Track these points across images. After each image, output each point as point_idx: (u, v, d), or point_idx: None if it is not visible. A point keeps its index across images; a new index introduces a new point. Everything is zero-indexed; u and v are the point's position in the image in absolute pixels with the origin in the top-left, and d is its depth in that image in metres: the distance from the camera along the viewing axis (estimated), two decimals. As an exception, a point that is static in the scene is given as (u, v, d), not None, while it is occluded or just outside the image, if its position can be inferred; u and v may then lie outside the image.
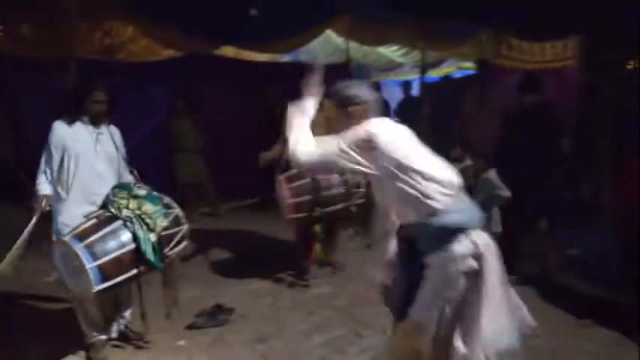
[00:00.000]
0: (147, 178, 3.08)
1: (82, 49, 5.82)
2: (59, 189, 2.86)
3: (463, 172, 3.81)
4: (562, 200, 4.96)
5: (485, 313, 1.68)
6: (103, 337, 2.99)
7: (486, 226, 3.64)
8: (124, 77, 5.57)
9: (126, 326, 3.13)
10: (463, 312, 1.71)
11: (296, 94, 4.08)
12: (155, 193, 2.85)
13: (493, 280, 1.70)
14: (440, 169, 1.82)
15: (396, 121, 7.05)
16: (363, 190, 3.79)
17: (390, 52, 9.95)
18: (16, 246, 2.81)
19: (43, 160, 2.91)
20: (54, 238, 2.92)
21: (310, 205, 3.64)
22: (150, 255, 2.62)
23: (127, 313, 3.13)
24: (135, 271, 2.62)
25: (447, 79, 7.55)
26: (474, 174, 3.72)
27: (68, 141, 2.83)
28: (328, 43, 9.40)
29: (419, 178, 1.74)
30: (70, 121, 2.87)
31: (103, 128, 2.95)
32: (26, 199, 5.82)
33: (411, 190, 1.73)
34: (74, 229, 2.60)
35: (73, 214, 2.79)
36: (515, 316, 1.80)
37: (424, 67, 8.30)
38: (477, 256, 1.69)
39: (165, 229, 2.72)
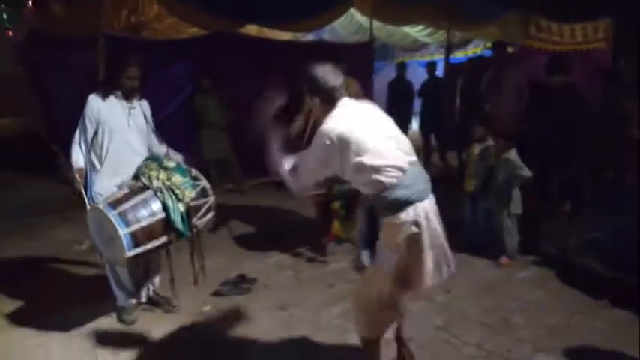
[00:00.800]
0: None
1: (109, 26, 5.96)
2: (94, 160, 2.99)
3: (485, 152, 3.85)
4: (586, 183, 4.93)
5: (426, 262, 2.09)
6: (133, 300, 3.16)
7: (506, 207, 3.71)
8: (150, 54, 5.67)
9: (155, 291, 3.30)
10: (409, 263, 2.09)
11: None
12: (184, 166, 2.96)
13: (429, 240, 2.07)
14: (392, 149, 2.07)
15: (421, 102, 7.01)
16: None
17: (415, 32, 9.83)
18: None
19: (77, 131, 3.03)
20: (88, 206, 3.07)
21: (330, 183, 3.71)
22: (178, 224, 2.75)
23: (156, 279, 3.30)
24: (165, 239, 2.75)
25: (479, 59, 7.43)
26: (495, 154, 3.73)
27: (102, 114, 2.95)
28: (352, 22, 9.34)
29: (373, 162, 2.01)
30: (104, 95, 2.98)
31: (135, 102, 3.06)
32: (58, 170, 6.10)
33: (369, 170, 2.03)
34: (108, 198, 2.73)
35: (106, 185, 2.92)
36: (447, 262, 2.19)
37: (449, 48, 8.20)
38: (417, 223, 2.03)
39: (193, 199, 2.83)
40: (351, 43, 8.31)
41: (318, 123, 2.16)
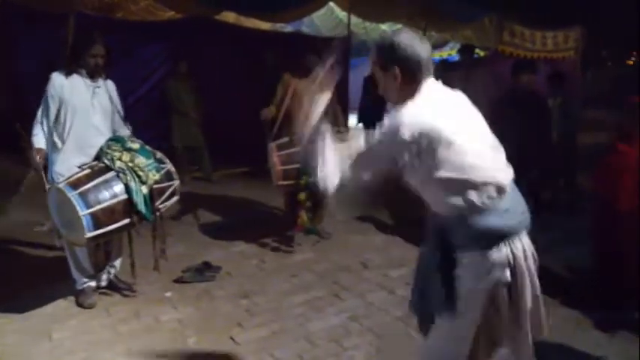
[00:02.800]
0: (142, 138, 3.14)
1: (83, 4, 5.80)
2: (55, 139, 2.92)
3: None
4: (544, 186, 5.10)
5: (522, 317, 1.59)
6: (93, 284, 3.11)
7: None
8: (122, 35, 5.57)
9: (115, 276, 3.25)
10: (493, 320, 1.58)
11: (294, 64, 4.13)
12: (148, 148, 2.92)
13: (526, 291, 1.57)
14: (491, 160, 1.55)
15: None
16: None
17: (393, 30, 9.89)
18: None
19: (40, 110, 2.95)
20: (47, 186, 3.00)
21: (298, 173, 3.73)
22: (141, 206, 2.72)
23: (117, 263, 3.25)
24: (126, 221, 2.71)
25: (452, 62, 7.59)
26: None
27: (65, 93, 2.88)
28: (332, 17, 9.36)
29: (466, 175, 1.49)
30: (68, 73, 2.91)
31: (100, 82, 3.00)
32: (21, 151, 5.90)
33: (455, 184, 1.50)
34: (68, 178, 2.67)
35: (67, 164, 2.86)
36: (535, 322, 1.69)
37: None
38: (512, 267, 1.53)
39: (157, 182, 2.80)
40: (329, 37, 8.33)
41: (392, 100, 1.63)
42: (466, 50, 5.85)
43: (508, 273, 1.53)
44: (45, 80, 2.95)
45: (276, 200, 4.98)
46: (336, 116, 4.19)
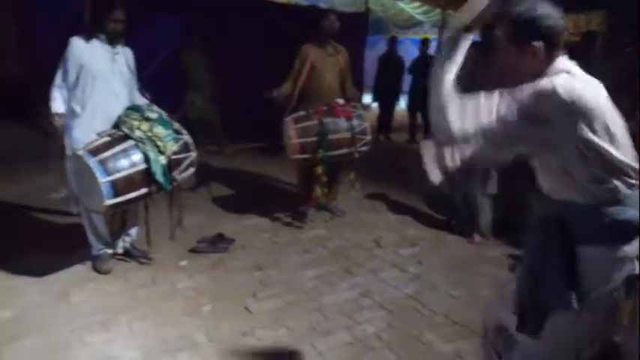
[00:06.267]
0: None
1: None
2: (74, 105, 2.91)
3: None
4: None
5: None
6: (109, 250, 3.16)
7: (482, 187, 3.76)
8: (143, 2, 5.50)
9: (131, 244, 3.30)
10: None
11: (309, 38, 4.06)
12: (166, 118, 2.91)
13: None
14: (630, 147, 1.44)
15: (411, 79, 6.93)
16: (368, 137, 3.85)
17: (411, 8, 9.74)
18: None
19: (58, 74, 2.93)
20: (67, 152, 3.01)
21: (315, 147, 3.71)
22: (159, 176, 2.73)
23: (133, 231, 3.29)
24: (144, 191, 2.73)
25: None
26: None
27: (85, 58, 2.85)
28: (348, -8, 9.18)
29: (607, 157, 1.38)
30: (88, 38, 2.88)
31: (119, 48, 2.97)
32: (38, 117, 5.92)
33: (594, 170, 1.39)
34: (88, 145, 2.67)
35: (86, 131, 2.85)
36: None
37: (443, 28, 8.15)
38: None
39: (175, 153, 2.81)
40: (346, 12, 8.19)
41: (525, 81, 1.43)
42: (489, 30, 5.71)
43: (638, 265, 1.43)
44: (61, 45, 2.91)
45: (288, 176, 4.99)
46: (351, 92, 4.15)
